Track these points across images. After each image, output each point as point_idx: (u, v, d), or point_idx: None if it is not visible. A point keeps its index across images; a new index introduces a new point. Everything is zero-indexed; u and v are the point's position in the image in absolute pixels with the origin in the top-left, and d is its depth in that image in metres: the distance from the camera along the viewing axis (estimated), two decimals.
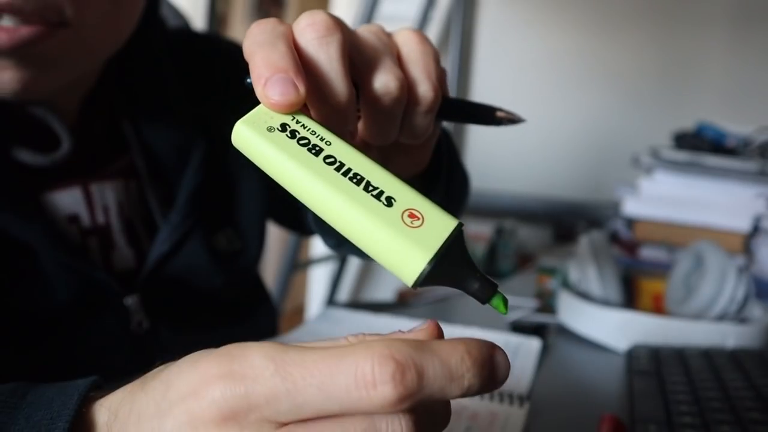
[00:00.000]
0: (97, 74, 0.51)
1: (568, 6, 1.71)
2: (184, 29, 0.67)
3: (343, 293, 2.42)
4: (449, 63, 1.75)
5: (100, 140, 0.52)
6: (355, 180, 0.25)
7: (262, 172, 0.27)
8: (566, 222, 1.84)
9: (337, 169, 0.25)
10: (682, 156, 0.98)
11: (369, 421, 0.21)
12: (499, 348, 0.22)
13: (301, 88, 0.27)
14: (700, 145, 1.00)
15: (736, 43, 1.63)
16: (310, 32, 0.30)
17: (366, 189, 0.25)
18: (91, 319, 0.47)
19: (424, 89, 0.34)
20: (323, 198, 0.25)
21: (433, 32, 1.80)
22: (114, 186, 0.51)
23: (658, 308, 0.77)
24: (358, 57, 0.33)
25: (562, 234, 1.86)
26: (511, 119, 0.38)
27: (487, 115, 0.38)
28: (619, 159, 1.53)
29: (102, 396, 0.26)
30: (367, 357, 0.20)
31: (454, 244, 0.24)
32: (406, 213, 0.24)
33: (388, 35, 0.36)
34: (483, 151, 1.81)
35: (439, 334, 0.24)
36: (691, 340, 0.59)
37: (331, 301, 2.15)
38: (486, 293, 0.25)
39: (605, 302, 0.68)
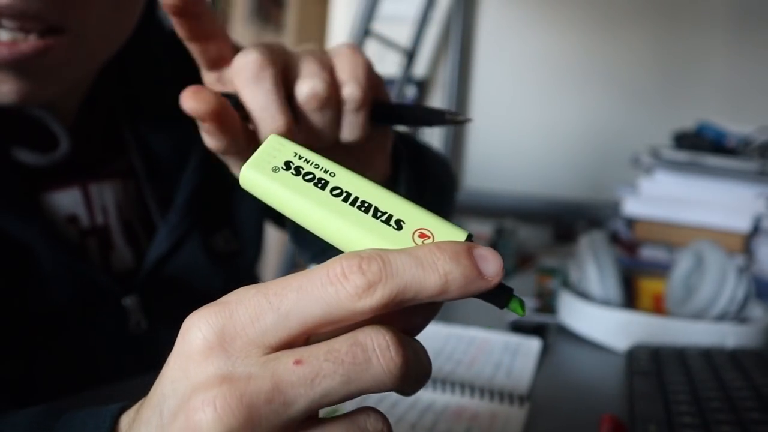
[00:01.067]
0: (94, 76, 0.51)
1: (568, 6, 1.71)
2: None
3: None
4: (449, 63, 1.75)
5: (98, 141, 0.52)
6: (363, 208, 0.26)
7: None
8: (566, 222, 1.84)
9: (345, 200, 0.26)
10: (682, 156, 0.98)
11: (353, 339, 0.21)
12: (481, 246, 0.23)
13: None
14: (701, 145, 1.00)
15: (737, 42, 1.63)
16: (243, 74, 0.36)
17: (375, 215, 0.25)
18: (90, 319, 0.47)
19: (350, 89, 0.38)
20: (335, 230, 0.26)
21: (433, 32, 1.80)
22: (113, 186, 0.51)
23: (658, 308, 0.77)
24: (292, 73, 0.37)
25: (562, 234, 1.86)
26: (455, 120, 0.39)
27: (431, 117, 0.40)
28: (619, 159, 1.53)
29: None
30: (336, 260, 0.22)
31: None
32: (417, 233, 0.25)
33: (324, 52, 0.40)
34: (483, 151, 1.81)
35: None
36: (691, 340, 0.59)
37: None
38: (503, 298, 0.25)
39: (605, 302, 0.68)
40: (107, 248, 0.50)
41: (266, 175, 0.27)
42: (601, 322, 0.64)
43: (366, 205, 0.26)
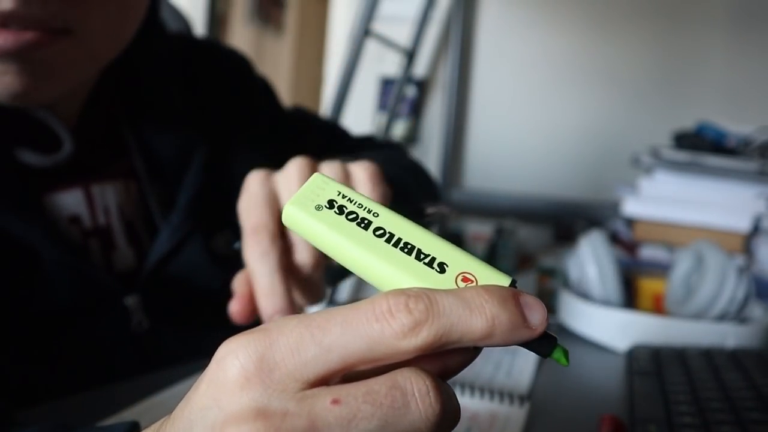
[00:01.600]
0: (97, 77, 0.51)
1: (568, 6, 1.71)
2: (184, 34, 0.67)
3: (343, 293, 2.42)
4: (449, 63, 1.75)
5: (100, 142, 0.52)
6: (406, 250, 0.25)
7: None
8: (566, 222, 1.84)
9: (388, 241, 0.25)
10: (682, 156, 0.98)
11: (393, 381, 0.21)
12: (527, 294, 0.23)
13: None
14: (701, 145, 1.00)
15: (737, 43, 1.63)
16: (252, 249, 0.42)
17: (418, 258, 0.25)
18: (92, 318, 0.47)
19: None
20: (377, 271, 0.25)
21: (433, 32, 1.80)
22: (114, 187, 0.51)
23: (658, 308, 0.77)
24: None
25: (562, 234, 1.86)
26: (440, 213, 0.40)
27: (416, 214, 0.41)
28: (619, 159, 1.53)
29: None
30: (382, 297, 0.21)
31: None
32: (460, 277, 0.25)
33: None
34: (483, 151, 1.81)
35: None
36: (691, 340, 0.59)
37: (331, 300, 2.15)
38: (547, 347, 0.24)
39: (605, 302, 0.68)
40: (109, 248, 0.50)
41: (309, 213, 0.26)
42: (601, 322, 0.64)
43: (409, 246, 0.25)
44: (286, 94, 3.63)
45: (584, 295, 0.70)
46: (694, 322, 0.62)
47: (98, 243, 0.50)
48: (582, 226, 1.72)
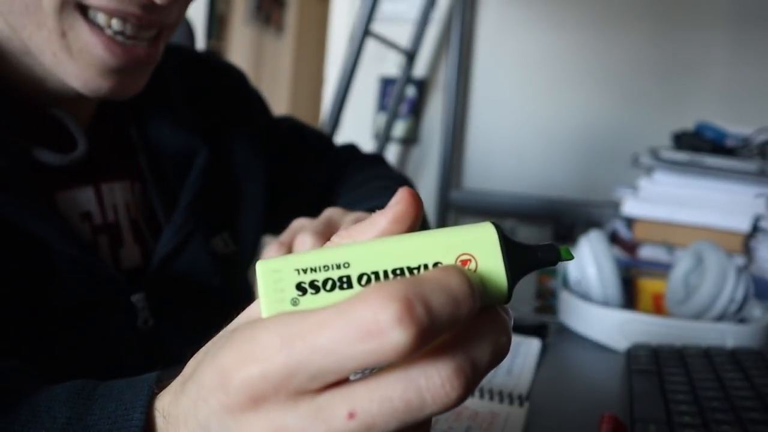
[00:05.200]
0: None
1: (568, 6, 1.71)
2: (184, 46, 0.71)
3: None
4: (449, 63, 1.75)
5: (110, 142, 0.54)
6: (397, 274, 0.24)
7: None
8: (566, 222, 1.84)
9: (378, 279, 0.23)
10: (682, 156, 0.98)
11: (406, 380, 0.20)
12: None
13: None
14: (700, 145, 1.00)
15: (736, 43, 1.63)
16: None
17: (411, 274, 0.24)
18: (101, 315, 0.48)
19: None
20: None
21: (433, 32, 1.80)
22: (122, 186, 0.53)
23: (658, 308, 0.77)
24: None
25: (561, 234, 1.86)
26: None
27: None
28: (619, 159, 1.53)
29: (160, 391, 0.26)
30: (366, 306, 0.19)
31: (505, 243, 0.24)
32: (458, 262, 0.24)
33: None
34: (483, 151, 1.81)
35: (415, 201, 0.24)
36: (690, 340, 0.59)
37: None
38: (552, 256, 0.25)
39: (605, 302, 0.68)
40: (117, 245, 0.52)
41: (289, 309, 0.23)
42: (601, 322, 0.64)
43: (398, 270, 0.24)
44: (286, 95, 3.63)
45: (584, 295, 0.70)
46: (694, 322, 0.62)
47: (107, 240, 0.51)
48: (582, 226, 1.72)
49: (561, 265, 0.83)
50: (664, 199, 0.99)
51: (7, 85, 0.46)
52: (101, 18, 0.42)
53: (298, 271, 0.23)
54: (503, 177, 1.80)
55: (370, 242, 0.24)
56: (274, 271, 0.23)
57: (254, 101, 0.70)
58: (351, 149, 0.80)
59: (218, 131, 0.63)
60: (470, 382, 0.21)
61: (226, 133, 0.63)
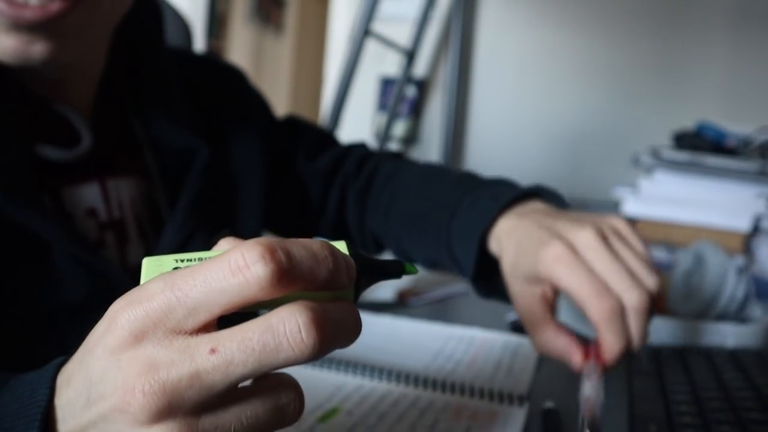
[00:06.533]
0: (105, 59, 0.54)
1: (568, 6, 1.71)
2: (183, 49, 0.71)
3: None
4: (449, 63, 1.75)
5: (114, 138, 0.54)
6: None
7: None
8: None
9: None
10: (682, 156, 0.98)
11: (266, 324, 0.23)
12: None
13: None
14: (700, 145, 1.00)
15: (737, 43, 1.63)
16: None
17: None
18: (104, 314, 0.48)
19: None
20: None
21: (433, 32, 1.80)
22: (127, 182, 0.53)
23: (658, 308, 0.77)
24: None
25: None
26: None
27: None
28: (619, 159, 1.53)
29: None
30: (237, 250, 0.23)
31: (355, 254, 0.28)
32: None
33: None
34: (483, 151, 1.81)
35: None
36: (691, 340, 0.59)
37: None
38: (398, 269, 0.29)
39: None
40: (124, 241, 0.52)
41: None
42: None
43: None
44: (286, 95, 3.63)
45: None
46: (694, 322, 0.62)
47: (113, 236, 0.51)
48: None
49: None
50: (664, 198, 0.99)
51: (8, 81, 0.46)
52: None
53: (176, 260, 0.27)
54: (503, 176, 1.80)
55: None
56: (157, 261, 0.27)
57: (254, 100, 0.70)
58: (361, 147, 0.78)
59: (218, 130, 0.63)
60: (325, 337, 0.23)
61: (226, 132, 0.64)
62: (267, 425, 0.24)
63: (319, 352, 0.23)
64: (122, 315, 0.24)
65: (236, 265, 0.23)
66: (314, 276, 0.24)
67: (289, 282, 0.23)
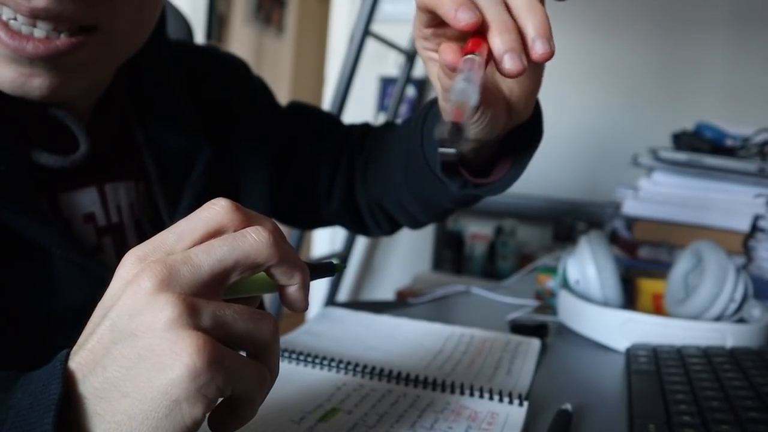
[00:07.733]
0: (111, 78, 0.52)
1: (568, 7, 1.71)
2: (185, 41, 0.70)
3: (343, 293, 2.42)
4: None
5: (112, 142, 0.54)
6: None
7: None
8: (566, 222, 1.84)
9: None
10: (682, 156, 0.98)
11: (241, 230, 0.32)
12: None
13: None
14: (700, 145, 1.00)
15: (736, 43, 1.63)
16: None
17: None
18: None
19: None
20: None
21: None
22: (126, 186, 0.53)
23: (657, 308, 0.77)
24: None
25: (562, 234, 1.86)
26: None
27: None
28: (619, 159, 1.53)
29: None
30: (211, 202, 0.33)
31: None
32: None
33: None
34: None
35: None
36: (690, 340, 0.60)
37: (331, 300, 2.15)
38: (329, 268, 0.35)
39: (605, 302, 0.68)
40: (122, 246, 0.51)
41: None
42: (601, 322, 0.64)
43: None
44: (286, 94, 3.63)
45: (584, 296, 0.70)
46: (694, 322, 0.62)
47: (112, 241, 0.51)
48: (582, 226, 1.72)
49: (561, 265, 0.83)
50: (664, 199, 0.99)
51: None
52: None
53: None
54: None
55: None
56: None
57: (256, 89, 0.69)
58: (366, 126, 0.76)
59: (222, 123, 0.62)
60: (275, 242, 0.31)
61: (230, 125, 0.63)
62: (246, 330, 0.30)
63: (274, 245, 0.31)
64: (134, 253, 0.30)
65: (208, 206, 0.33)
66: (258, 217, 0.33)
67: (241, 217, 0.32)
